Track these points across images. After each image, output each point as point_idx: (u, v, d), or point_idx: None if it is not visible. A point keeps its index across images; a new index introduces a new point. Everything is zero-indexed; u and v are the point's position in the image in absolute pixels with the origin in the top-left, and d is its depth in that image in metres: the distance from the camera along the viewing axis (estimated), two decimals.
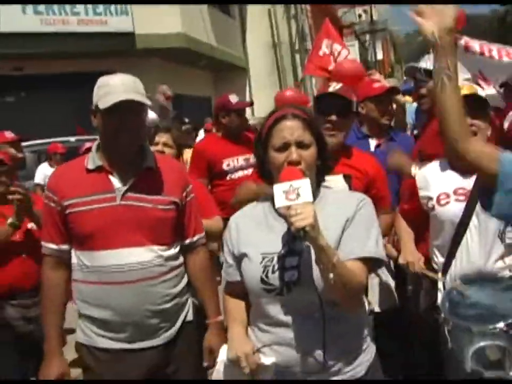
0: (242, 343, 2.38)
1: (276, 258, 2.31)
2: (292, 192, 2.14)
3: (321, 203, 2.36)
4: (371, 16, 35.50)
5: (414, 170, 3.62)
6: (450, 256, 3.18)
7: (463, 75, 8.94)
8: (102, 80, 2.83)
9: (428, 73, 4.18)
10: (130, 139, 2.79)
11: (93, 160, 2.83)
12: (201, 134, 12.83)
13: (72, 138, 11.89)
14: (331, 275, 2.13)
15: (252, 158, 5.48)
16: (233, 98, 5.74)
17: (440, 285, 3.21)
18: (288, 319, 2.30)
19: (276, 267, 2.30)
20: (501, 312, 2.83)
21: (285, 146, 2.33)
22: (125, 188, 2.79)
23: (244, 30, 21.71)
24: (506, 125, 4.10)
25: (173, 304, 2.91)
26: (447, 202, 3.22)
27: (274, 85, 21.63)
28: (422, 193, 3.37)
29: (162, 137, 4.13)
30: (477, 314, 2.92)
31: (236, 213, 2.62)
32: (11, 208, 4.06)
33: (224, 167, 5.57)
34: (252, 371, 2.28)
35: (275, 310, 2.32)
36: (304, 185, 2.15)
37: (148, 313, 2.82)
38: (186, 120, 16.37)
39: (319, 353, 2.28)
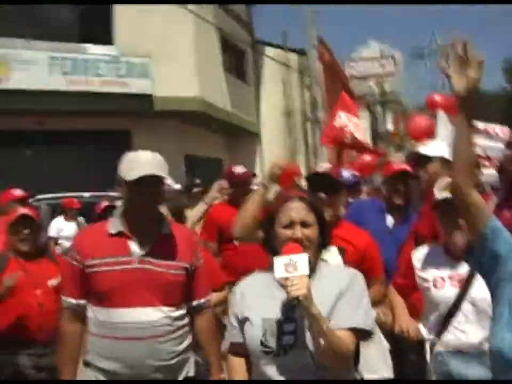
0: None
1: (275, 323, 2.62)
2: (291, 265, 2.48)
3: (318, 276, 2.68)
4: (382, 88, 36.10)
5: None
6: (441, 331, 3.50)
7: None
8: (128, 156, 3.22)
9: (426, 158, 4.52)
10: (149, 207, 3.16)
11: (114, 225, 3.16)
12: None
13: (87, 194, 12.26)
14: (321, 341, 2.46)
15: None
16: (237, 169, 6.09)
17: (427, 354, 3.55)
18: (283, 379, 2.59)
19: (275, 331, 2.61)
20: None
21: (290, 225, 2.68)
22: (142, 252, 3.11)
23: (258, 96, 22.26)
24: None
25: (177, 360, 3.19)
26: (442, 286, 3.54)
27: (284, 152, 22.10)
28: (418, 273, 3.68)
29: None
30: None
31: (241, 280, 2.96)
32: (36, 264, 4.40)
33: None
34: None
35: (271, 371, 2.61)
36: (302, 259, 2.49)
37: (154, 367, 3.09)
38: (198, 181, 16.77)
39: None
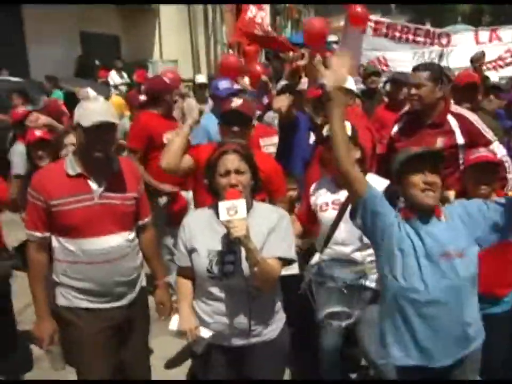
0: (188, 320, 3.38)
1: (218, 254, 3.29)
2: (232, 209, 3.11)
3: (252, 215, 3.31)
4: None
5: None
6: (326, 243, 4.27)
7: (367, 59, 9.97)
8: (83, 104, 3.67)
9: None
10: (103, 151, 3.62)
11: (72, 167, 3.61)
12: None
13: None
14: (255, 268, 3.15)
15: None
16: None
17: (315, 258, 4.37)
18: (224, 297, 3.30)
19: (218, 261, 3.28)
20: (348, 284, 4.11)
21: (227, 173, 3.29)
22: (100, 190, 3.62)
23: None
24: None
25: (135, 275, 3.85)
26: (326, 210, 4.32)
27: (184, 27, 22.13)
28: (312, 200, 4.46)
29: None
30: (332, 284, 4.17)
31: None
32: None
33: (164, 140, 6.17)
34: (193, 340, 3.33)
35: (215, 290, 3.31)
36: (241, 204, 3.12)
37: (119, 283, 3.73)
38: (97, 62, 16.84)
39: (245, 322, 3.30)
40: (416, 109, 4.90)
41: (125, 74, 17.10)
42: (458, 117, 4.87)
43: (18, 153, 6.02)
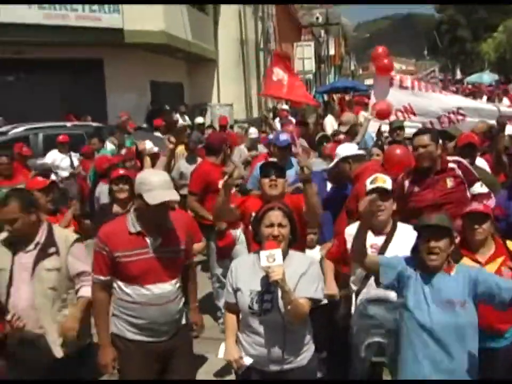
0: (233, 351, 3.64)
1: (258, 294, 3.56)
2: (271, 257, 3.39)
3: (288, 262, 3.58)
4: (327, 16, 36.28)
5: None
6: (362, 286, 4.39)
7: (396, 106, 10.15)
8: (145, 177, 3.89)
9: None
10: (162, 220, 3.92)
11: (133, 225, 3.85)
12: None
13: (69, 124, 12.81)
14: (289, 306, 3.42)
15: None
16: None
17: (353, 302, 4.46)
18: (262, 329, 3.56)
19: (258, 299, 3.55)
20: (385, 322, 4.15)
21: (271, 225, 3.58)
22: (155, 244, 3.85)
23: (216, 26, 22.45)
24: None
25: (179, 315, 4.05)
26: None
27: (239, 76, 22.62)
28: (348, 245, 4.41)
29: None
30: (371, 321, 4.23)
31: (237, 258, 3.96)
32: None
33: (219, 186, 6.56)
34: (237, 368, 3.59)
35: (255, 324, 3.58)
36: (278, 253, 3.40)
37: (164, 322, 3.92)
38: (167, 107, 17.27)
39: (280, 351, 3.55)
40: (424, 165, 5.06)
41: (186, 117, 17.49)
42: (455, 161, 5.18)
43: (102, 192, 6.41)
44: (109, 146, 10.67)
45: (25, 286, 4.00)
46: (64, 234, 4.10)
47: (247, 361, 3.58)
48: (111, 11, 15.87)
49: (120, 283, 3.88)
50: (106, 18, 15.78)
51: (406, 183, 5.16)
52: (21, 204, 4.03)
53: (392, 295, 4.20)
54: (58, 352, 4.03)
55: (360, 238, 3.71)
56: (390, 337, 4.08)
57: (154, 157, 6.55)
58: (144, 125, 14.20)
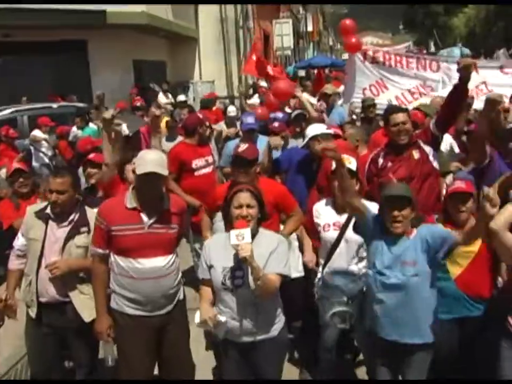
0: (207, 311, 3.69)
1: (230, 270, 3.64)
2: (240, 235, 3.47)
3: (257, 240, 3.65)
4: None
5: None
6: (328, 258, 4.53)
7: (367, 82, 10.15)
8: (141, 154, 4.03)
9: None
10: (153, 192, 3.97)
11: (130, 201, 3.93)
12: None
13: (55, 105, 12.72)
14: (259, 282, 3.51)
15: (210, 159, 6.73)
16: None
17: (319, 274, 4.59)
18: (235, 303, 3.65)
19: (230, 276, 3.64)
20: (348, 292, 4.24)
21: (240, 206, 3.65)
22: (150, 221, 3.93)
23: (196, 5, 22.17)
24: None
25: (174, 290, 4.11)
26: (329, 230, 4.56)
27: (219, 54, 22.46)
28: (315, 220, 4.68)
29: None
30: (335, 292, 4.33)
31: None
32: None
33: (193, 165, 6.63)
34: (213, 325, 3.61)
35: (228, 298, 3.67)
36: (247, 232, 3.48)
37: (160, 296, 4.00)
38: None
39: (251, 323, 3.66)
40: (402, 142, 5.09)
41: (170, 95, 17.41)
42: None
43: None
44: (90, 126, 10.66)
45: (55, 258, 4.19)
46: (95, 215, 4.17)
47: (222, 318, 3.65)
48: None
49: (116, 257, 3.97)
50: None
51: (380, 160, 5.22)
52: (72, 179, 4.28)
53: (355, 268, 4.40)
54: (86, 317, 4.22)
55: (343, 180, 3.87)
56: (353, 306, 4.20)
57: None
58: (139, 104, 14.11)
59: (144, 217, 3.95)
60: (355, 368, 5.14)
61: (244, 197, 3.67)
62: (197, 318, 3.75)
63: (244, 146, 4.73)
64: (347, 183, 3.91)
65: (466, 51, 35.35)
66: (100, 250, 4.01)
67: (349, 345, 5.09)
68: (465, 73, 4.84)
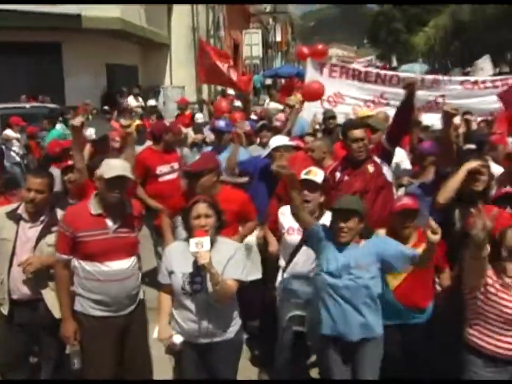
0: (164, 331, 3.79)
1: (189, 276, 3.72)
2: (199, 243, 3.55)
3: (216, 248, 3.74)
4: (274, 6, 36.20)
5: None
6: (288, 263, 4.61)
7: (327, 93, 10.23)
8: (106, 161, 4.05)
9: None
10: (119, 198, 4.01)
11: (94, 208, 3.97)
12: None
13: (27, 105, 12.58)
14: (217, 287, 3.60)
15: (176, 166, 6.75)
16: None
17: (279, 278, 4.68)
18: (193, 307, 3.73)
19: (189, 281, 3.72)
20: (306, 296, 4.37)
21: (198, 217, 3.73)
22: (115, 226, 3.99)
23: (170, 14, 22.19)
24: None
25: (136, 291, 4.18)
26: (292, 234, 4.62)
27: (190, 61, 22.44)
28: (281, 222, 4.73)
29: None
30: (293, 295, 4.46)
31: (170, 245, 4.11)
32: None
33: (157, 172, 6.68)
34: (168, 346, 3.74)
35: (187, 302, 3.75)
36: (206, 240, 3.57)
37: (124, 297, 4.06)
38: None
39: (210, 326, 3.74)
40: (360, 158, 5.13)
41: (140, 99, 17.36)
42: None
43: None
44: (58, 128, 10.56)
45: (26, 257, 4.14)
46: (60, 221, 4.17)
47: (177, 339, 3.74)
48: None
49: (81, 262, 3.98)
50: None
51: (338, 173, 5.27)
52: (50, 181, 4.26)
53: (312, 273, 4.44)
54: (56, 314, 4.17)
55: (294, 198, 3.99)
56: (309, 309, 4.31)
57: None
58: (106, 107, 13.98)
59: (109, 222, 3.99)
60: (309, 369, 5.24)
61: (202, 208, 3.76)
62: (155, 333, 3.84)
63: (195, 159, 4.85)
64: (295, 197, 4.00)
65: (426, 67, 36.17)
66: (64, 256, 4.01)
67: (304, 346, 5.20)
68: (410, 90, 4.99)
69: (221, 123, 7.29)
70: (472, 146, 5.97)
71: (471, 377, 3.75)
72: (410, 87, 4.98)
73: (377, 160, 5.22)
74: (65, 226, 3.98)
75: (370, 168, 5.15)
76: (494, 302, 3.60)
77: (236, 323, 3.93)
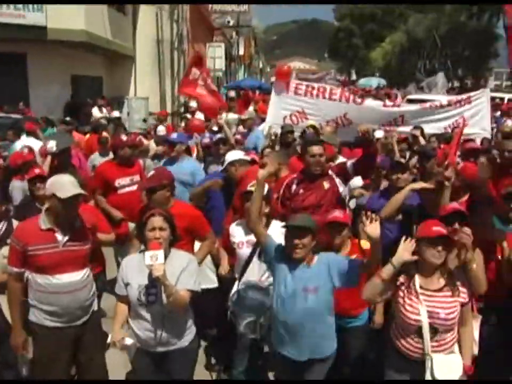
0: (117, 334, 3.84)
1: (145, 288, 3.79)
2: (154, 256, 3.63)
3: (170, 259, 3.83)
4: (238, 19, 36.30)
5: None
6: (242, 274, 4.71)
7: (288, 111, 10.31)
8: (56, 178, 4.06)
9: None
10: (72, 216, 4.06)
11: (44, 223, 4.00)
12: None
13: None
14: (171, 298, 3.68)
15: (136, 178, 6.77)
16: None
17: (234, 288, 4.76)
18: (149, 317, 3.81)
19: (145, 292, 3.79)
20: (259, 304, 4.47)
21: (153, 229, 3.80)
22: (64, 240, 4.02)
23: (134, 26, 22.13)
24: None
25: (89, 302, 4.22)
26: (242, 247, 4.74)
27: (155, 73, 22.42)
28: (231, 238, 4.85)
29: None
30: (248, 304, 4.55)
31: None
32: None
33: (116, 184, 6.69)
34: (120, 348, 3.79)
35: (143, 312, 3.83)
36: (160, 253, 3.64)
37: (76, 308, 4.10)
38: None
39: (165, 335, 3.82)
40: (316, 172, 5.30)
41: (104, 110, 17.25)
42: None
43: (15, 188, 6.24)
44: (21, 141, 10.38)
45: None
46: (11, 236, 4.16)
47: (128, 341, 3.80)
48: (35, 10, 15.41)
49: (34, 274, 4.01)
50: (30, 16, 15.32)
51: (294, 186, 5.40)
52: (2, 193, 4.22)
53: (266, 282, 4.56)
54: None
55: (254, 204, 4.03)
56: (263, 317, 4.42)
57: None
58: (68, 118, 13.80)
59: (59, 236, 4.01)
60: (267, 373, 5.33)
61: (157, 221, 3.84)
62: (109, 339, 3.89)
63: (151, 172, 4.96)
64: (253, 208, 4.07)
65: (383, 81, 36.84)
66: (16, 269, 4.03)
67: (260, 352, 5.29)
68: (366, 138, 5.19)
69: (173, 135, 7.52)
70: (401, 160, 6.12)
71: (391, 377, 3.91)
72: (365, 135, 5.17)
73: (335, 177, 5.35)
74: (16, 241, 4.01)
75: (326, 184, 5.31)
76: (402, 308, 3.74)
77: (191, 332, 4.01)
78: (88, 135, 11.10)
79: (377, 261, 3.76)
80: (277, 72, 10.33)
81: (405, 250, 3.56)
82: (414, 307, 3.68)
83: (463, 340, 3.81)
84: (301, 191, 5.34)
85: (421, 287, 3.70)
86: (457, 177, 4.94)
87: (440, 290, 3.71)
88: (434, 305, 3.66)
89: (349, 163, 5.52)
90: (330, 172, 5.50)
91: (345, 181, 5.59)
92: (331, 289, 3.92)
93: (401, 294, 3.75)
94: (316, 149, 5.27)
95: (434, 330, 3.65)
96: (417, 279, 3.72)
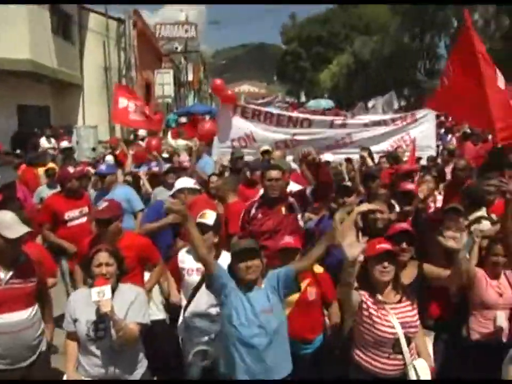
0: (72, 377, 3.80)
1: (93, 323, 3.77)
2: (101, 292, 3.61)
3: (118, 294, 3.82)
4: (186, 45, 36.54)
5: None
6: (189, 302, 4.65)
7: (236, 134, 10.38)
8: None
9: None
10: (15, 251, 3.95)
11: None
12: None
13: None
14: (120, 332, 3.66)
15: (85, 210, 6.69)
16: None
17: (181, 317, 4.73)
18: (99, 353, 3.78)
19: (94, 328, 3.76)
20: (208, 332, 4.47)
21: (99, 265, 3.80)
22: (7, 278, 3.87)
23: (82, 54, 22.07)
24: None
25: (36, 341, 4.08)
26: (192, 274, 4.71)
27: (103, 100, 22.32)
28: (180, 264, 4.80)
29: None
30: (196, 333, 4.55)
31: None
32: None
33: (65, 217, 6.61)
34: None
35: (93, 348, 3.79)
36: (107, 289, 3.63)
37: (23, 348, 3.97)
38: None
39: (116, 370, 3.79)
40: (274, 196, 5.34)
41: (52, 140, 16.98)
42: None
43: None
44: None
45: None
46: None
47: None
48: None
49: None
50: None
51: (253, 210, 5.42)
52: None
53: (213, 310, 4.52)
54: None
55: (193, 236, 3.82)
56: (213, 345, 4.42)
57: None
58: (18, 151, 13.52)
59: (1, 273, 3.88)
60: None
61: (103, 257, 3.85)
62: (65, 377, 3.85)
63: (103, 205, 4.92)
64: (194, 239, 3.83)
65: (331, 103, 37.57)
66: None
67: (212, 380, 5.25)
68: (310, 160, 5.31)
69: (102, 167, 7.54)
70: (348, 183, 6.25)
71: None
72: (308, 158, 5.28)
73: (294, 204, 5.40)
74: None
75: (284, 210, 5.36)
76: (368, 324, 3.77)
77: (142, 365, 3.99)
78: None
79: (313, 260, 3.83)
80: (223, 99, 10.39)
81: (350, 247, 3.50)
82: (386, 319, 3.72)
83: (420, 346, 3.93)
84: (259, 215, 5.38)
85: (384, 303, 3.77)
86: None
87: (399, 302, 3.80)
88: (402, 316, 3.74)
89: (308, 190, 5.61)
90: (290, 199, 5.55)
91: (304, 207, 5.65)
92: (283, 307, 3.92)
93: (365, 313, 3.78)
94: (274, 174, 5.35)
95: (408, 340, 3.73)
96: (378, 295, 3.80)
